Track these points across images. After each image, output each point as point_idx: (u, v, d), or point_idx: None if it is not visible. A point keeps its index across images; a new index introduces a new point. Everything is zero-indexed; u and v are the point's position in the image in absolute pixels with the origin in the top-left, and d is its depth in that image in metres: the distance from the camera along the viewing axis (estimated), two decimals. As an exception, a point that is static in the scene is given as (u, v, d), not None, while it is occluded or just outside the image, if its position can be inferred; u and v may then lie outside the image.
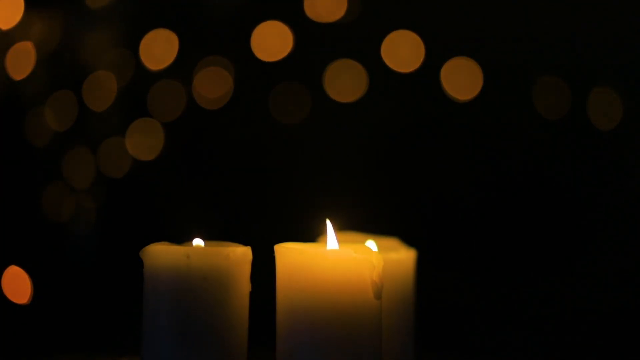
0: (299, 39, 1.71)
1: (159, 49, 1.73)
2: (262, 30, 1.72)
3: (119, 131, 1.72)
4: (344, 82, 1.71)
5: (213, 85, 1.74)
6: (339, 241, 1.00)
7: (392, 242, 1.16)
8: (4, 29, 1.65)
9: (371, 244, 1.12)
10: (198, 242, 1.02)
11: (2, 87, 1.66)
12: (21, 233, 1.68)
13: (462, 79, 1.68)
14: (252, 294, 1.01)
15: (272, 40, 1.72)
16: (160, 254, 0.97)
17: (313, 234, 1.15)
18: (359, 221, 1.24)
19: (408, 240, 1.17)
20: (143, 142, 1.73)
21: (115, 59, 1.72)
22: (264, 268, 1.02)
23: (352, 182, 1.73)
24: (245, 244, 1.01)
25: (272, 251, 0.97)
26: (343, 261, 0.94)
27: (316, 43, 1.72)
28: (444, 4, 1.71)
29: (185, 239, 1.03)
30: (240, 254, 0.99)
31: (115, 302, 1.63)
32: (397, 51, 1.70)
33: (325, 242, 1.00)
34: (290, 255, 0.95)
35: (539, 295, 1.67)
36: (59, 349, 1.48)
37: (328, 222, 1.00)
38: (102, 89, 1.71)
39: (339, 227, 1.15)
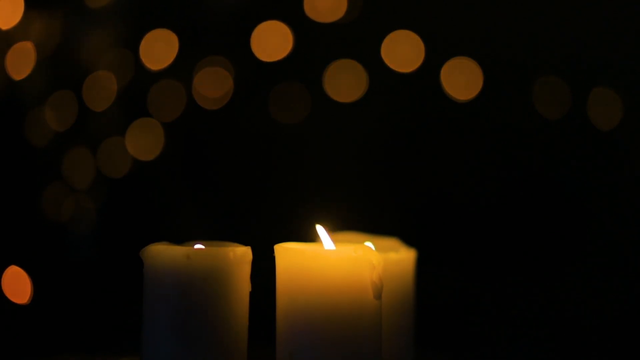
0: (299, 39, 1.71)
1: (159, 49, 1.73)
2: (262, 30, 1.72)
3: (119, 131, 1.72)
4: (344, 82, 1.71)
5: (213, 85, 1.74)
6: (335, 241, 1.00)
7: (392, 242, 1.16)
8: (4, 29, 1.65)
9: (369, 244, 1.12)
10: (199, 247, 1.01)
11: (2, 87, 1.66)
12: (21, 233, 1.68)
13: (462, 79, 1.68)
14: (252, 294, 1.01)
15: (272, 40, 1.72)
16: (160, 254, 0.97)
17: (313, 234, 1.15)
18: (359, 221, 1.24)
19: (408, 240, 1.17)
20: (143, 142, 1.73)
21: (115, 59, 1.72)
22: (264, 268, 1.02)
23: (352, 182, 1.73)
24: (245, 244, 1.01)
25: (272, 251, 0.97)
26: (343, 261, 0.94)
27: (316, 43, 1.72)
28: (444, 4, 1.71)
29: (186, 239, 1.03)
30: (240, 254, 0.99)
31: (115, 302, 1.63)
32: (397, 51, 1.70)
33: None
34: (290, 255, 0.95)
35: (538, 295, 1.67)
36: (59, 349, 1.48)
37: (319, 227, 1.00)
38: (102, 89, 1.71)
39: (339, 228, 1.15)
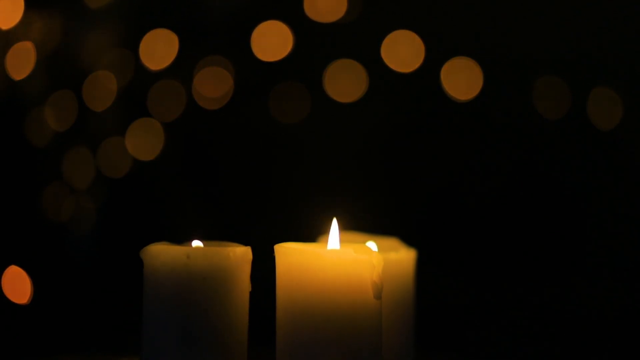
0: (299, 39, 1.72)
1: (159, 49, 1.73)
2: (262, 30, 1.72)
3: (119, 131, 1.72)
4: (344, 82, 1.71)
5: (213, 85, 1.74)
6: (340, 241, 1.00)
7: (392, 242, 1.16)
8: (4, 29, 1.65)
9: (371, 244, 1.12)
10: (197, 243, 1.02)
11: (2, 87, 1.66)
12: (21, 233, 1.68)
13: (462, 79, 1.68)
14: (252, 294, 1.01)
15: (272, 40, 1.72)
16: (160, 254, 0.97)
17: (313, 234, 1.15)
18: (359, 221, 1.24)
19: (408, 240, 1.17)
20: (143, 142, 1.73)
21: (115, 59, 1.72)
22: (264, 268, 1.02)
23: (352, 182, 1.73)
24: (245, 244, 1.01)
25: (272, 251, 0.97)
26: (343, 261, 0.94)
27: (316, 43, 1.72)
28: (444, 4, 1.71)
29: (185, 239, 1.03)
30: (240, 254, 0.99)
31: (115, 302, 1.63)
32: (397, 51, 1.70)
33: (326, 241, 1.00)
34: (290, 255, 0.95)
35: (538, 295, 1.67)
36: (59, 349, 1.48)
37: (334, 221, 1.00)
38: (102, 89, 1.71)
39: (339, 228, 1.15)
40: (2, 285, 1.62)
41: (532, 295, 1.68)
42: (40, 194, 1.69)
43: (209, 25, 1.74)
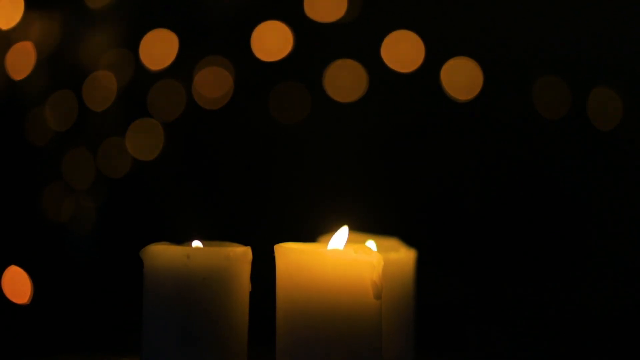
0: (299, 39, 1.71)
1: (159, 49, 1.73)
2: (262, 30, 1.72)
3: (119, 131, 1.72)
4: (344, 82, 1.71)
5: (213, 85, 1.74)
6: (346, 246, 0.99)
7: (392, 242, 1.16)
8: (4, 29, 1.65)
9: (371, 244, 1.12)
10: (197, 243, 1.02)
11: (2, 87, 1.66)
12: (21, 233, 1.68)
13: (462, 79, 1.68)
14: (252, 294, 1.01)
15: (272, 40, 1.72)
16: (160, 254, 0.97)
17: (313, 234, 1.15)
18: (359, 221, 1.24)
19: (408, 240, 1.17)
20: (143, 142, 1.73)
21: (115, 59, 1.72)
22: (264, 268, 1.02)
23: (352, 182, 1.73)
24: (245, 244, 1.01)
25: (272, 251, 0.97)
26: (343, 261, 0.94)
27: (316, 43, 1.72)
28: (444, 4, 1.71)
29: (185, 239, 1.03)
30: (240, 254, 0.99)
31: (115, 302, 1.63)
32: (397, 51, 1.70)
33: (326, 241, 1.00)
34: (290, 255, 0.95)
35: (539, 295, 1.67)
36: (59, 349, 1.48)
37: (346, 229, 1.00)
38: (102, 89, 1.71)
39: (339, 228, 1.15)
40: (2, 285, 1.62)
41: (532, 295, 1.68)
42: (40, 194, 1.69)
43: (209, 25, 1.74)
